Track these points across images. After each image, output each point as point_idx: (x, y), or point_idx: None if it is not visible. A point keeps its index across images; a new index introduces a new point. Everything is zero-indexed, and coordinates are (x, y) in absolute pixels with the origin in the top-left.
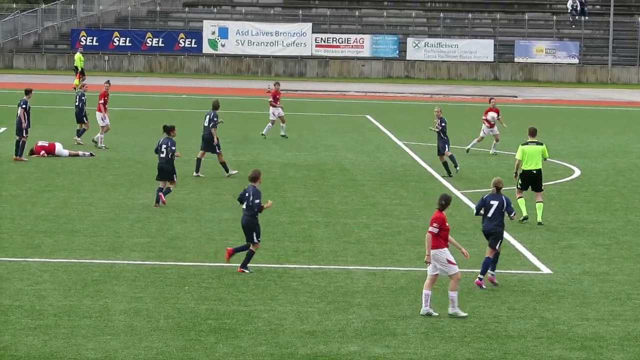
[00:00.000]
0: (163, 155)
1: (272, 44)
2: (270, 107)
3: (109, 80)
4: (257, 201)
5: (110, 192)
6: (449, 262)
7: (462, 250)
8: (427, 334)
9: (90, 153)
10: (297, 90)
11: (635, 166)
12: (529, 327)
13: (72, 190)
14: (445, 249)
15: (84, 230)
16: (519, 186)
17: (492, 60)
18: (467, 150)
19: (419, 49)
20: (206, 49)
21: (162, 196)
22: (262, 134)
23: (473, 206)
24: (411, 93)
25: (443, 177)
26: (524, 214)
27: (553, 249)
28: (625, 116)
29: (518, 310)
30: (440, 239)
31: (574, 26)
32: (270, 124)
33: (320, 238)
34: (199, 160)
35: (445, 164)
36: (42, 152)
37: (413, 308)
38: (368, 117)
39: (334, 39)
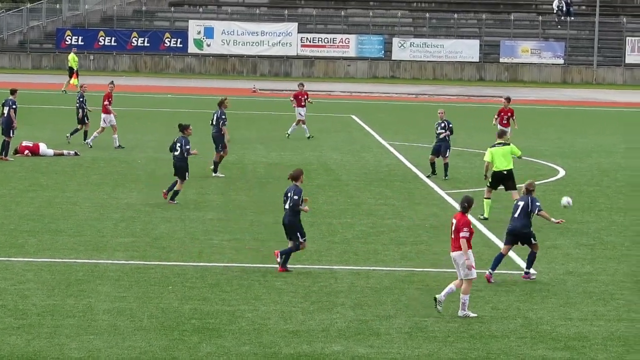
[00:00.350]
0: (177, 153)
1: (257, 44)
2: (296, 108)
3: (112, 81)
4: (295, 197)
5: (95, 191)
6: (472, 266)
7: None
8: (410, 333)
9: (75, 152)
10: (282, 90)
11: (620, 166)
12: (513, 327)
13: (56, 189)
14: (469, 251)
15: (68, 230)
16: (488, 184)
17: (478, 60)
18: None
19: (405, 49)
20: (192, 48)
21: (165, 194)
22: (287, 134)
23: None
24: (396, 93)
25: (427, 176)
26: (486, 214)
27: (544, 249)
28: (610, 117)
29: (502, 310)
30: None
31: (559, 26)
32: (295, 124)
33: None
34: (215, 163)
35: (433, 164)
36: (26, 152)
37: (397, 308)
38: (353, 117)
39: (320, 39)
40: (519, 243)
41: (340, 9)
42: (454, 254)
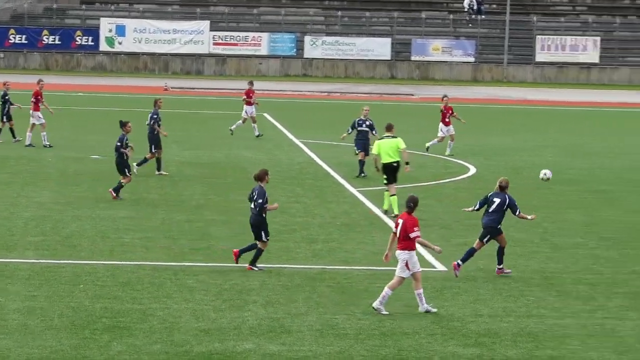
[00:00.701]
0: (116, 151)
1: (169, 42)
2: (245, 106)
3: (41, 79)
4: (259, 201)
5: (5, 190)
6: (408, 267)
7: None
8: (322, 331)
9: None
10: (194, 89)
11: (531, 164)
12: (424, 323)
13: None
14: (409, 252)
15: None
16: (385, 181)
17: (390, 58)
18: (427, 149)
19: (317, 47)
20: (103, 46)
21: (112, 192)
22: (230, 130)
23: (369, 204)
24: (309, 91)
25: (357, 176)
26: (385, 207)
27: (447, 246)
28: (520, 114)
29: (413, 307)
30: (409, 242)
31: (470, 25)
32: (240, 121)
33: (216, 236)
34: (158, 160)
35: (362, 162)
36: None
37: (308, 305)
38: (265, 115)
39: (232, 37)
40: (489, 238)
41: (252, 7)
42: (397, 252)
